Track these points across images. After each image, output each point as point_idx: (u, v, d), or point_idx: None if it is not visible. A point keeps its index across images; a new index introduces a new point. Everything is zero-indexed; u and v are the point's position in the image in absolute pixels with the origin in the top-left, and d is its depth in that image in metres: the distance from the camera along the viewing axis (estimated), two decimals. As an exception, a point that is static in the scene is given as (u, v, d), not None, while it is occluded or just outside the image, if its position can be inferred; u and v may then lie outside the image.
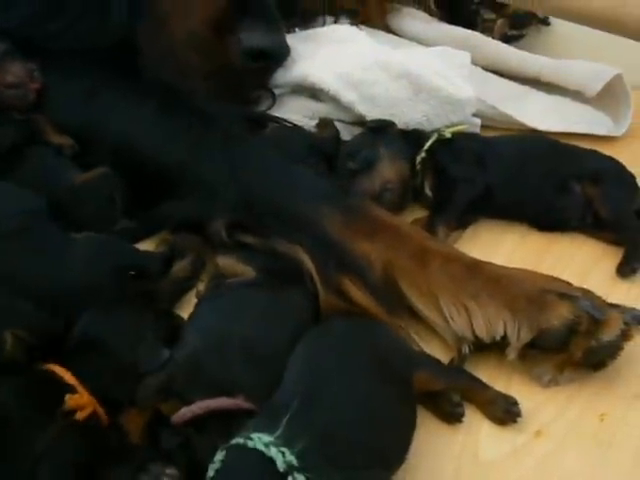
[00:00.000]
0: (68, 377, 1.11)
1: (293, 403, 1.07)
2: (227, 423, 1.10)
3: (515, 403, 1.27)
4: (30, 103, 1.59)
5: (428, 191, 1.66)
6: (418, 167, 1.65)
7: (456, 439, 1.28)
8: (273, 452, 0.98)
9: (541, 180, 1.60)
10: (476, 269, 1.33)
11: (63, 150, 1.57)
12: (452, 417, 1.25)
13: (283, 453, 0.99)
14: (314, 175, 1.48)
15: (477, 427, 1.29)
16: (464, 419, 1.28)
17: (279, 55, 1.74)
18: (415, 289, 1.34)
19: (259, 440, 1.00)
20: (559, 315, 1.25)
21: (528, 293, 1.29)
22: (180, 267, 1.44)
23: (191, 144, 1.49)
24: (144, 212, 1.52)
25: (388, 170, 1.61)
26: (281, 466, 0.98)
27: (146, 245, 1.52)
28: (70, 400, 1.10)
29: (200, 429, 1.11)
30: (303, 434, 1.01)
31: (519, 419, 1.28)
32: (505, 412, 1.26)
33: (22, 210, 1.40)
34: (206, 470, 1.03)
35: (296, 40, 1.80)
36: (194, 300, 1.41)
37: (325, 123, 1.72)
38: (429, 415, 1.29)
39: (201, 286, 1.43)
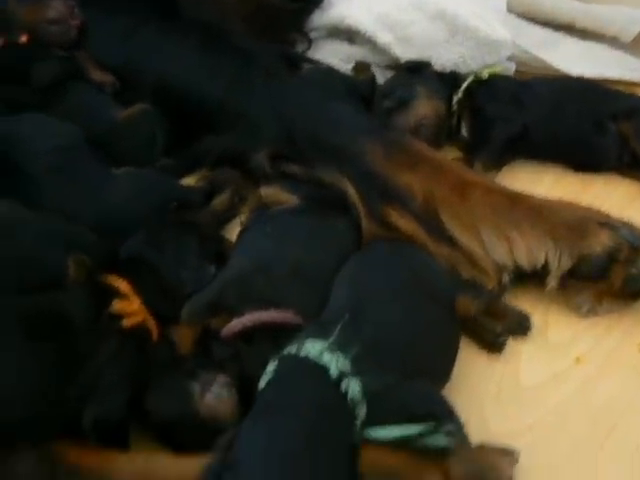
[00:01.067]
0: (123, 286, 1.12)
1: (342, 317, 1.07)
2: (276, 337, 1.11)
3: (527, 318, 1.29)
4: (72, 39, 1.60)
5: (464, 132, 1.66)
6: (454, 107, 1.66)
7: (497, 365, 1.30)
8: (326, 359, 1.00)
9: (577, 119, 1.61)
10: (517, 200, 1.34)
11: (104, 87, 1.57)
12: (494, 347, 1.26)
13: (336, 359, 0.99)
14: (354, 110, 1.49)
15: (517, 354, 1.31)
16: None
17: (317, -4, 1.68)
18: (456, 220, 1.34)
19: (312, 347, 1.01)
20: (600, 242, 1.26)
21: (569, 222, 1.30)
22: (220, 200, 1.45)
23: (233, 80, 1.51)
24: (184, 148, 1.50)
25: (424, 107, 1.63)
26: (334, 372, 0.99)
27: (186, 182, 1.52)
28: (117, 304, 1.11)
29: (249, 342, 1.11)
30: (353, 342, 1.03)
31: (558, 347, 1.27)
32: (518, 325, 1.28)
33: (63, 144, 1.42)
34: (257, 382, 1.04)
35: (333, -19, 1.78)
36: (235, 233, 1.40)
37: (362, 66, 1.73)
38: (470, 342, 1.29)
39: (243, 217, 1.42)
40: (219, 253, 1.30)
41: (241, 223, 1.42)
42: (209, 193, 1.46)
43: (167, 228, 1.31)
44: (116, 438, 1.09)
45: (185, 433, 1.08)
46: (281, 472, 0.90)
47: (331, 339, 1.01)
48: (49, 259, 1.15)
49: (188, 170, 1.55)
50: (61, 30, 1.58)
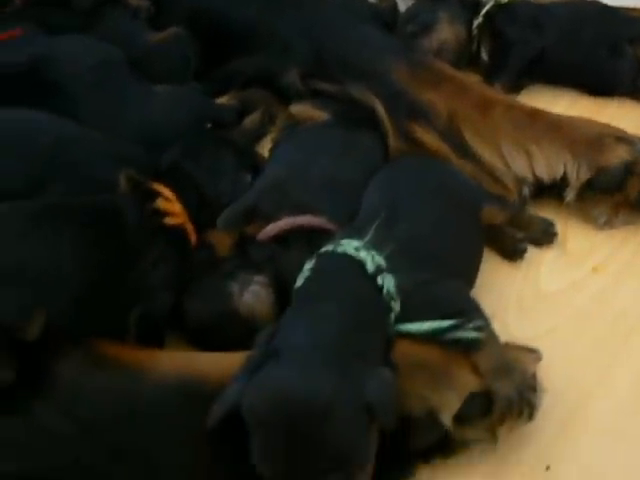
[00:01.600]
0: (167, 192, 1.18)
1: (376, 220, 1.12)
2: (310, 241, 1.17)
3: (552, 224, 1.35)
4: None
5: (484, 55, 1.70)
6: (475, 32, 1.71)
7: (518, 273, 1.36)
8: (363, 255, 1.05)
9: (595, 42, 1.66)
10: (536, 116, 1.40)
11: (139, 12, 1.61)
12: (515, 253, 1.32)
13: (372, 256, 1.05)
14: (380, 32, 1.54)
15: (537, 263, 1.37)
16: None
17: None
18: (478, 136, 1.40)
19: (349, 245, 1.06)
20: (617, 155, 1.33)
21: (587, 137, 1.36)
22: (251, 119, 1.50)
23: (264, 2, 1.55)
24: (216, 71, 1.56)
25: (446, 31, 1.69)
26: (371, 267, 1.04)
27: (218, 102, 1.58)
28: (161, 202, 1.18)
29: (284, 246, 1.17)
30: (387, 242, 1.07)
31: (576, 256, 1.34)
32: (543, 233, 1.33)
33: (103, 62, 1.48)
34: (291, 283, 1.09)
35: None
36: (266, 150, 1.46)
37: (384, -6, 1.77)
38: (492, 253, 1.36)
39: (273, 134, 1.48)
40: (253, 166, 1.34)
41: (272, 140, 1.46)
42: (240, 112, 1.50)
43: (203, 142, 1.34)
44: (155, 338, 1.13)
45: (223, 333, 1.13)
46: (323, 357, 0.95)
47: (367, 238, 1.06)
48: (102, 174, 1.20)
49: (219, 91, 1.59)
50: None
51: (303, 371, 0.94)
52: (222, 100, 1.56)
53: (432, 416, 1.03)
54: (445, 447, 1.08)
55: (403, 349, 1.04)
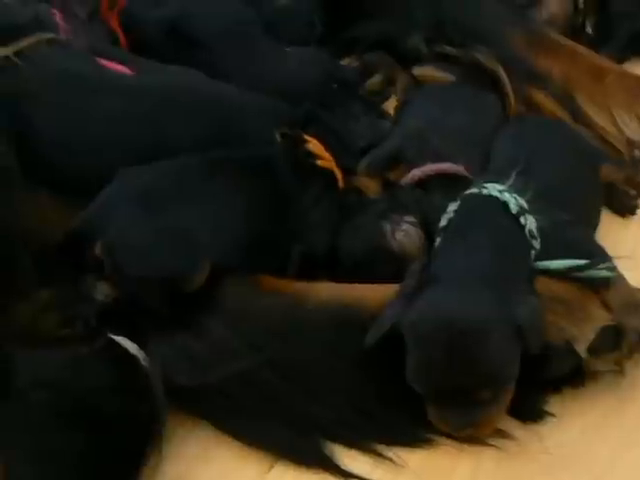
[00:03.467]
0: (314, 143, 1.28)
1: (514, 168, 1.21)
2: (450, 186, 1.26)
3: None
4: None
5: (589, 28, 1.77)
6: (581, 5, 1.77)
7: (630, 228, 1.44)
8: (507, 197, 1.14)
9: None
10: None
11: (265, -24, 1.68)
12: (628, 210, 1.41)
13: (515, 198, 1.14)
14: (497, 2, 1.63)
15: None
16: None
17: None
18: (591, 101, 1.49)
19: (493, 188, 1.15)
20: None
21: None
22: (373, 81, 1.60)
23: None
24: (339, 35, 1.66)
25: (554, 4, 1.75)
26: (514, 208, 1.13)
27: (341, 64, 1.67)
28: (311, 143, 1.28)
29: (427, 190, 1.27)
30: (528, 187, 1.17)
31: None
32: None
33: (240, 19, 1.57)
34: (433, 224, 1.19)
35: None
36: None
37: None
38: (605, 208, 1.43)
39: (397, 94, 1.58)
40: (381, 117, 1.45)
41: (397, 99, 1.56)
42: (362, 74, 1.60)
43: (335, 95, 1.45)
44: (313, 274, 1.22)
45: (375, 268, 1.22)
46: (480, 281, 1.06)
47: (509, 182, 1.15)
48: (262, 131, 1.30)
49: (340, 55, 1.67)
50: None
51: (463, 293, 1.04)
52: (344, 63, 1.63)
53: (569, 346, 1.10)
54: (575, 378, 1.15)
55: (542, 284, 1.12)
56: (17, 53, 1.20)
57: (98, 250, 1.09)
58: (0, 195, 1.09)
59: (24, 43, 1.22)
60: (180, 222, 1.13)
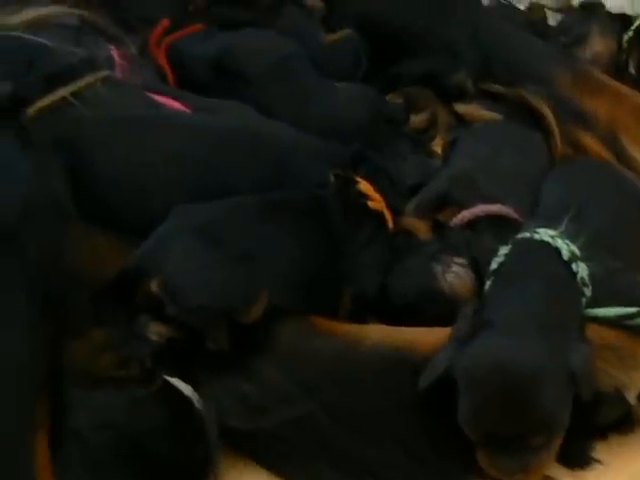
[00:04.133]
0: (364, 184, 1.29)
1: (566, 213, 1.21)
2: (499, 228, 1.27)
3: None
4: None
5: (632, 68, 1.78)
6: (625, 45, 1.78)
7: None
8: (559, 243, 1.14)
9: None
10: None
11: (314, 12, 1.71)
12: None
13: (567, 244, 1.14)
14: (541, 41, 1.64)
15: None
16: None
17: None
18: (635, 143, 1.50)
19: (545, 233, 1.16)
20: None
21: None
22: (419, 117, 1.61)
23: (434, 10, 1.67)
24: (384, 70, 1.67)
25: (598, 44, 1.77)
26: (566, 255, 1.14)
27: (383, 99, 1.68)
28: (362, 185, 1.28)
29: (476, 232, 1.28)
30: (580, 233, 1.17)
31: None
32: None
33: (288, 54, 1.57)
34: (485, 265, 1.20)
35: None
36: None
37: (536, 7, 1.88)
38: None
39: (441, 131, 1.59)
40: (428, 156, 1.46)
41: (441, 137, 1.57)
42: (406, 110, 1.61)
43: (383, 134, 1.47)
44: (363, 315, 1.23)
45: (425, 310, 1.23)
46: (534, 327, 1.06)
47: (561, 228, 1.16)
48: (316, 173, 1.30)
49: (386, 89, 1.68)
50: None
51: (517, 339, 1.05)
52: (387, 98, 1.64)
53: (618, 393, 1.11)
54: (623, 425, 1.15)
55: (592, 331, 1.13)
56: (74, 94, 1.20)
57: (154, 286, 1.08)
58: (56, 232, 1.10)
59: (80, 83, 1.21)
60: (236, 255, 1.13)
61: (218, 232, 1.14)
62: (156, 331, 1.10)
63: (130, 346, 1.08)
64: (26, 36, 1.27)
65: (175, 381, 1.06)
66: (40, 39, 1.27)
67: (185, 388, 1.05)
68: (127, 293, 1.11)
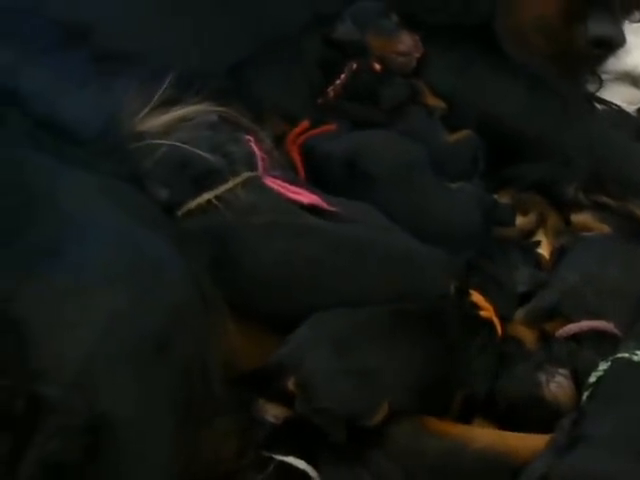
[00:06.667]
0: (476, 294, 1.42)
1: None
2: (600, 342, 1.39)
3: None
4: (412, 68, 1.86)
5: None
6: None
7: None
8: (654, 365, 1.24)
9: None
10: None
11: (435, 111, 1.82)
12: None
13: (665, 368, 1.23)
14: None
15: None
16: None
17: (619, 44, 1.91)
18: None
19: (642, 355, 1.25)
20: None
21: None
22: (526, 221, 1.72)
23: (554, 119, 1.80)
24: (498, 172, 1.79)
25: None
26: (662, 378, 1.23)
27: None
28: (475, 296, 1.41)
29: (579, 344, 1.39)
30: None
31: None
32: None
33: (413, 158, 1.68)
34: (584, 377, 1.31)
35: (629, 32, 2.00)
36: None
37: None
38: None
39: (548, 237, 1.70)
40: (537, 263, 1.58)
41: (548, 242, 1.68)
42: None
43: (494, 240, 1.58)
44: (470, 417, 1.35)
45: (529, 415, 1.34)
46: (628, 449, 1.16)
47: (657, 351, 1.26)
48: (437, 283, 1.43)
49: (496, 189, 1.79)
50: (406, 61, 1.84)
51: (613, 459, 1.14)
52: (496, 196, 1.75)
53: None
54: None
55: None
56: (218, 197, 1.35)
57: (291, 384, 1.23)
58: (204, 340, 1.19)
59: (224, 187, 1.36)
60: (366, 366, 1.27)
61: (352, 342, 1.29)
62: (273, 412, 1.23)
63: (251, 431, 1.21)
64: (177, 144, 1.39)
65: (292, 460, 1.19)
66: (187, 145, 1.39)
67: (304, 466, 1.19)
68: (262, 386, 1.24)
